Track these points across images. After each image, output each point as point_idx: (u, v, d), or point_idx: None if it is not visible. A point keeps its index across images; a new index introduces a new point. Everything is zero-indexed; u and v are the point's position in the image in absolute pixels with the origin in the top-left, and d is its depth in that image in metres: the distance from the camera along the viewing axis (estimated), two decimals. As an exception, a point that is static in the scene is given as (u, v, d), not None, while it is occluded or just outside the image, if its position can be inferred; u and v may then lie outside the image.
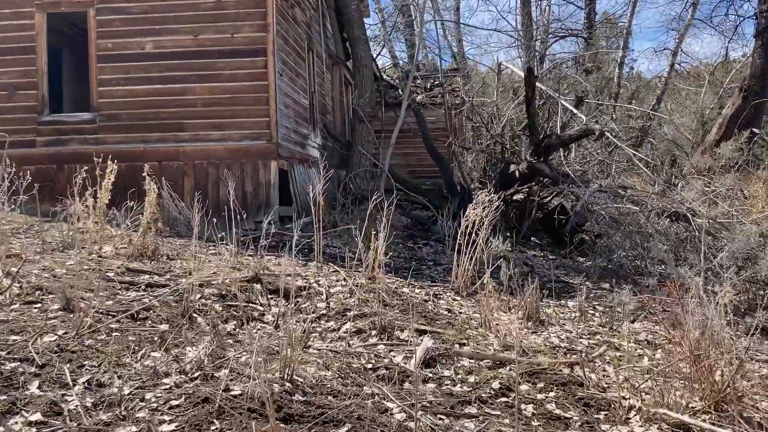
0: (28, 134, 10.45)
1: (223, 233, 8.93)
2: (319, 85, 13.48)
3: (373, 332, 4.74)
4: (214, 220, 9.86)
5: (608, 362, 4.62)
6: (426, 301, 5.92)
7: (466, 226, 6.39)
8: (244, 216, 10.26)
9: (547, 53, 25.77)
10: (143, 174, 9.94)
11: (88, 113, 10.48)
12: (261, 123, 10.16)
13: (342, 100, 16.03)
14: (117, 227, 7.68)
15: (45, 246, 6.24)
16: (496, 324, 5.24)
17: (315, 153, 12.83)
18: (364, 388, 3.46)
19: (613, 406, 3.58)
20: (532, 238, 12.92)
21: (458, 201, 13.74)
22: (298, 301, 5.30)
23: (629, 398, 3.71)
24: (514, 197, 12.37)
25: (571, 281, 8.85)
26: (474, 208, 6.45)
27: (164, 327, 3.98)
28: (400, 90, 20.31)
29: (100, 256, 6.00)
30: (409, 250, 9.64)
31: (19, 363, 3.11)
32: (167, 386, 3.05)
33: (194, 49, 10.23)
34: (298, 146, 11.54)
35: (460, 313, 5.76)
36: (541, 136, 10.81)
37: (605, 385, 3.96)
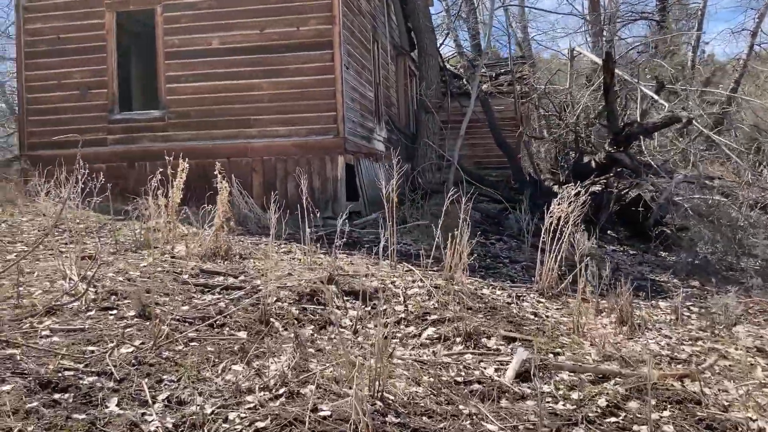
0: (100, 133, 10.57)
1: (293, 230, 8.80)
2: (384, 77, 13.21)
3: (458, 339, 4.44)
4: (284, 217, 9.77)
5: (720, 373, 4.19)
6: (509, 303, 5.57)
7: (550, 223, 6.01)
8: (313, 212, 10.16)
9: (616, 37, 24.75)
10: (213, 171, 9.90)
11: (157, 111, 10.51)
12: (328, 117, 9.97)
13: (406, 92, 15.72)
14: (189, 225, 7.62)
15: (118, 246, 6.19)
16: (590, 329, 4.86)
17: (380, 146, 12.59)
18: (459, 406, 3.16)
19: (740, 429, 3.17)
20: (609, 231, 12.34)
21: (529, 193, 13.26)
22: (374, 304, 5.04)
23: (756, 419, 3.30)
24: (591, 189, 11.82)
25: (657, 279, 8.32)
26: (559, 203, 6.06)
27: (243, 335, 3.79)
28: (464, 79, 19.85)
29: (173, 257, 5.90)
30: (481, 247, 9.26)
31: (97, 377, 2.95)
32: (251, 405, 2.84)
33: (260, 44, 10.10)
34: (364, 140, 11.31)
35: (547, 317, 5.39)
36: (622, 125, 10.23)
37: (725, 403, 3.55)
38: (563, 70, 15.15)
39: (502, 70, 21.45)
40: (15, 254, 5.77)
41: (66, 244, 6.38)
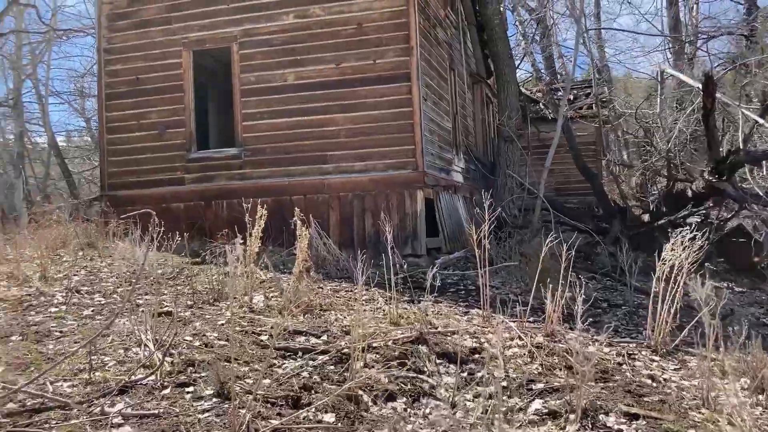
0: (177, 172, 10.54)
1: (373, 270, 8.40)
2: (461, 106, 12.77)
3: (571, 416, 3.87)
4: (360, 255, 9.39)
5: None
6: (620, 364, 4.95)
7: (662, 272, 5.37)
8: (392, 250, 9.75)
9: (703, 55, 23.49)
10: (289, 208, 9.65)
11: (233, 149, 10.41)
12: (406, 151, 9.59)
13: (483, 120, 15.23)
14: (265, 269, 7.34)
15: (195, 297, 5.93)
16: (720, 400, 4.20)
17: (459, 178, 12.12)
18: None
19: None
20: (706, 263, 11.40)
21: (617, 223, 12.48)
22: (471, 368, 4.54)
23: None
24: (687, 219, 10.95)
25: (779, 325, 7.46)
26: (672, 249, 5.42)
27: (330, 418, 3.37)
28: (540, 104, 19.19)
29: (251, 309, 5.58)
30: (571, 286, 8.61)
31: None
32: None
33: (336, 79, 9.87)
34: (443, 172, 10.86)
35: (665, 380, 4.74)
36: (725, 152, 9.40)
37: None
38: (653, 93, 14.29)
39: (581, 93, 20.70)
40: (92, 308, 5.58)
41: (144, 294, 6.17)
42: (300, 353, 4.40)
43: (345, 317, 5.61)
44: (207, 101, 13.24)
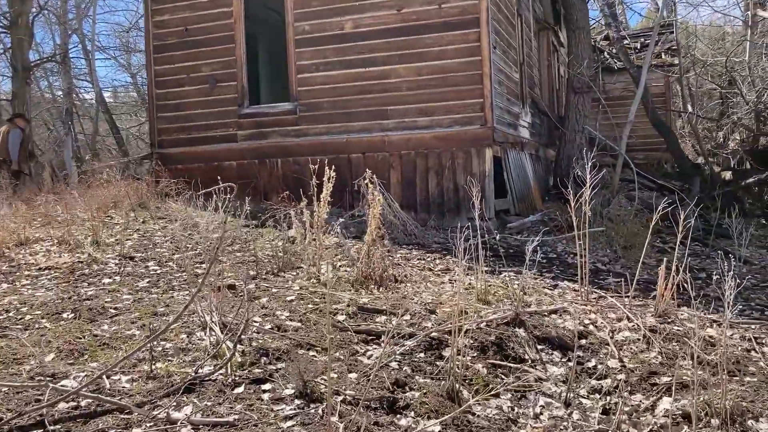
0: (230, 128, 10.01)
1: (441, 236, 7.79)
2: (527, 55, 11.86)
3: (713, 421, 3.24)
4: (426, 217, 8.76)
5: None
6: (748, 351, 4.26)
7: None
8: (458, 212, 9.10)
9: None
10: (347, 167, 9.10)
11: (288, 103, 9.79)
12: (474, 105, 8.83)
13: (549, 70, 14.25)
14: (326, 233, 6.79)
15: (258, 267, 5.41)
16: None
17: (525, 133, 11.30)
18: None
19: None
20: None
21: (697, 182, 11.55)
22: (579, 357, 3.92)
23: None
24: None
25: None
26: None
27: (435, 427, 2.80)
28: (605, 53, 18.02)
29: (319, 281, 5.04)
30: (661, 253, 7.86)
31: None
32: None
33: (398, 26, 9.09)
34: (510, 128, 10.08)
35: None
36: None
37: None
38: (740, 38, 13.06)
39: (647, 42, 19.38)
40: (147, 279, 5.12)
41: (201, 263, 5.69)
42: (384, 338, 3.84)
43: (423, 291, 5.03)
44: (257, 53, 12.61)
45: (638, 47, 18.68)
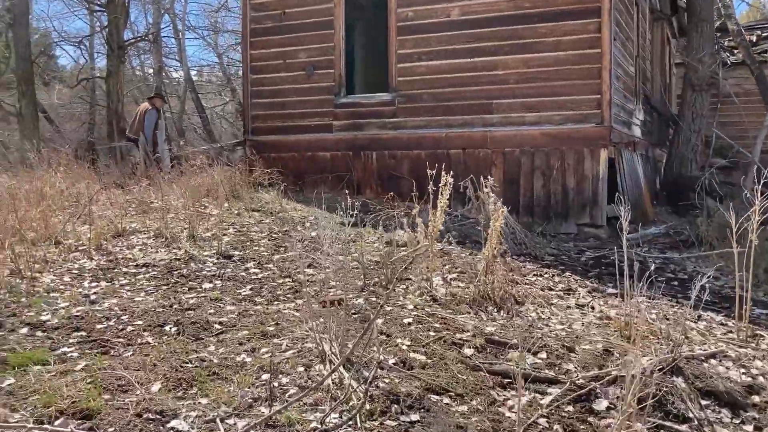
0: (325, 117, 9.67)
1: (552, 245, 7.18)
2: (642, 47, 10.96)
3: None
4: (531, 221, 8.14)
5: None
6: None
7: None
8: (565, 217, 8.44)
9: None
10: (446, 164, 8.60)
11: (386, 94, 9.34)
12: (589, 102, 8.13)
13: (662, 64, 13.23)
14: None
15: (365, 276, 4.98)
16: None
17: (637, 132, 10.46)
18: None
19: None
20: None
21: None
22: (754, 419, 3.30)
23: None
24: None
25: None
26: None
27: None
28: (721, 47, 16.68)
29: (433, 299, 4.57)
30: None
31: None
32: None
33: (509, 14, 8.48)
34: (625, 127, 9.29)
35: None
36: None
37: None
38: None
39: (765, 34, 17.93)
40: (250, 286, 4.78)
41: (305, 267, 5.31)
42: (525, 383, 3.32)
43: (549, 317, 4.48)
44: (353, 40, 12.18)
45: (754, 40, 17.26)
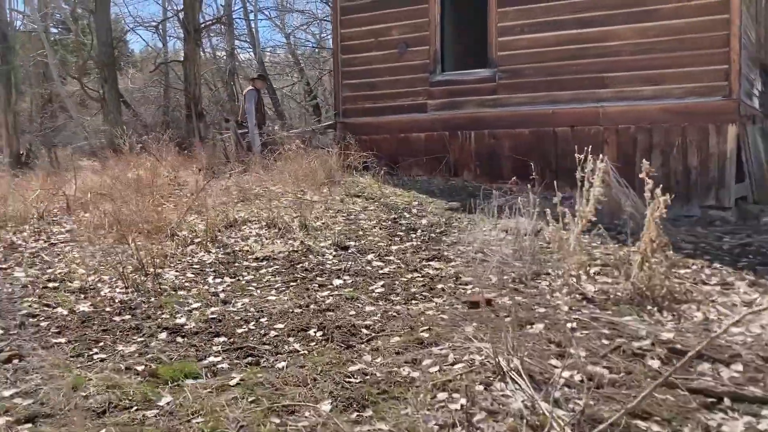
0: (419, 97, 9.27)
1: (686, 229, 6.63)
2: (759, 10, 10.06)
3: None
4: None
5: None
6: None
7: None
8: (688, 199, 7.83)
9: None
10: (551, 141, 8.16)
11: (485, 69, 8.85)
12: (715, 73, 7.45)
13: (775, 28, 12.19)
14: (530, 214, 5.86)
15: (498, 272, 4.61)
16: None
17: (756, 104, 9.63)
18: None
19: None
20: None
21: None
22: None
23: None
24: None
25: None
26: None
27: None
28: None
29: (585, 297, 4.16)
30: None
31: None
32: None
33: (622, -21, 7.83)
34: (747, 98, 8.53)
35: None
36: None
37: None
38: None
39: None
40: (381, 281, 4.47)
41: (426, 260, 4.98)
42: (726, 400, 2.91)
43: (718, 317, 4.00)
44: (444, 13, 11.67)
45: None
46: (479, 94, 8.84)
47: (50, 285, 4.33)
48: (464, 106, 8.95)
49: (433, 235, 5.91)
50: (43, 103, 25.19)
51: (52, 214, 6.46)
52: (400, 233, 5.97)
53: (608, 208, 6.72)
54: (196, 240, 5.48)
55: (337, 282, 4.45)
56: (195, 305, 4.01)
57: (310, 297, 4.11)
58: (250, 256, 5.15)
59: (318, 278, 4.56)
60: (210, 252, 5.21)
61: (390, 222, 6.39)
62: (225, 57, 27.13)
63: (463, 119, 8.96)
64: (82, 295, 4.15)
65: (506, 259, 5.03)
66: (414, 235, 5.88)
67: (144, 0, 38.13)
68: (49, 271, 4.66)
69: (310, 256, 5.16)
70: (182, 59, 21.01)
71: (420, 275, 4.66)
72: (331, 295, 4.15)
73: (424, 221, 6.46)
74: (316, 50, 26.63)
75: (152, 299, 4.09)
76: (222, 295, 4.21)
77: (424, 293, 4.25)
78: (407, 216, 6.69)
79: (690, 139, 7.64)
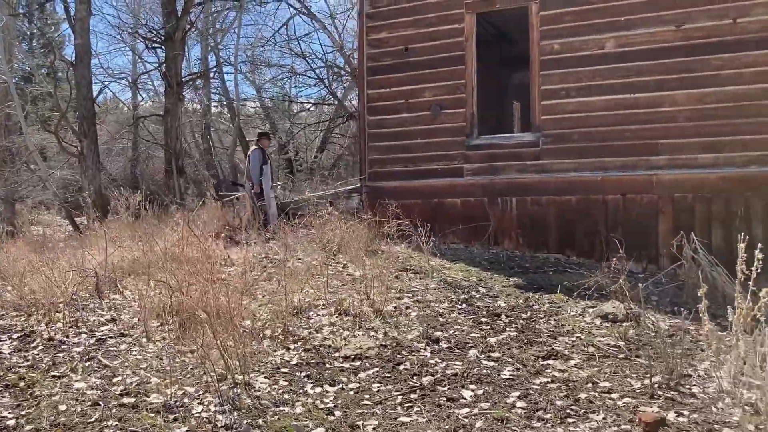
0: (455, 161, 8.80)
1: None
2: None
3: None
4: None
5: None
6: None
7: None
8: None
9: None
10: (598, 210, 7.76)
11: (528, 134, 8.49)
12: (778, 141, 7.19)
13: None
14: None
15: (630, 371, 4.03)
16: None
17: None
18: None
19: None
20: None
21: None
22: None
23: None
24: None
25: None
26: None
27: None
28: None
29: (756, 410, 3.60)
30: None
31: None
32: None
33: (676, 44, 7.61)
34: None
35: None
36: None
37: None
38: None
39: None
40: (516, 393, 3.83)
41: (539, 357, 4.38)
42: None
43: None
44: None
45: None
46: (521, 159, 8.43)
47: (125, 401, 3.56)
48: (505, 170, 8.52)
49: (522, 322, 5.32)
50: (9, 157, 24.06)
51: (80, 297, 5.64)
52: (485, 319, 5.36)
53: (692, 288, 6.28)
54: (266, 332, 4.77)
55: (467, 394, 3.79)
56: (315, 430, 3.30)
57: (450, 418, 3.45)
58: (336, 354, 4.46)
59: (438, 387, 3.90)
60: (289, 349, 4.51)
61: (464, 305, 5.78)
62: (201, 111, 26.52)
63: (504, 184, 8.51)
64: (171, 416, 3.40)
65: (628, 356, 4.48)
66: (502, 323, 5.28)
67: (114, 52, 37.32)
68: (116, 380, 3.88)
69: (404, 353, 4.50)
70: (162, 113, 20.32)
71: (548, 379, 4.05)
72: (474, 415, 3.49)
73: (501, 303, 5.87)
74: (286, 103, 26.18)
75: (259, 420, 3.37)
76: (338, 413, 3.52)
77: (572, 407, 3.63)
78: (477, 296, 6.10)
79: (753, 209, 7.31)
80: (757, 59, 7.25)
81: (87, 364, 4.15)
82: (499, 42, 10.86)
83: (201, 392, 3.70)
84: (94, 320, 5.09)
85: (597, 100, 7.98)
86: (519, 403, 3.67)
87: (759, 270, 4.07)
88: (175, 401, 3.57)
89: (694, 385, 3.96)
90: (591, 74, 8.01)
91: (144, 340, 4.54)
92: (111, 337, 4.67)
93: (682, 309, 5.81)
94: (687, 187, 7.60)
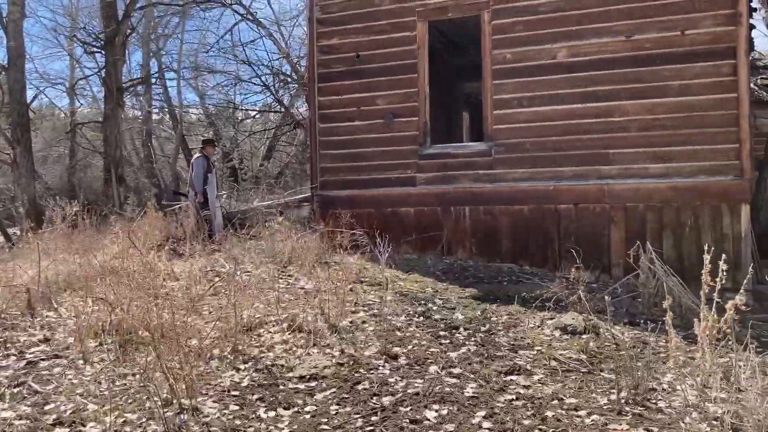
0: (408, 170, 8.67)
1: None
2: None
3: None
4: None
5: None
6: None
7: None
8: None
9: None
10: (552, 220, 7.75)
11: (481, 143, 8.43)
12: (726, 151, 7.33)
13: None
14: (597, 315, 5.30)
15: (591, 399, 3.92)
16: None
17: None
18: None
19: None
20: None
21: None
22: None
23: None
24: None
25: None
26: None
27: None
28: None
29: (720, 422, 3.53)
30: None
31: None
32: None
33: (626, 55, 7.69)
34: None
35: None
36: None
37: None
38: None
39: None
40: (482, 413, 3.66)
41: (502, 373, 4.23)
42: None
43: None
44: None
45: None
46: (474, 168, 8.35)
47: (58, 433, 3.23)
48: (458, 180, 8.42)
49: (481, 335, 5.17)
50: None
51: (10, 315, 5.22)
52: (443, 332, 5.20)
53: (648, 298, 6.28)
54: (214, 351, 4.48)
55: (430, 414, 3.60)
56: (271, 460, 3.05)
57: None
58: (290, 374, 4.21)
59: (400, 408, 3.69)
60: (239, 369, 4.23)
61: (422, 317, 5.61)
62: (141, 118, 25.75)
63: (457, 194, 8.41)
64: (110, 450, 3.10)
65: (592, 370, 4.38)
66: (461, 336, 5.13)
67: (50, 57, 35.98)
68: (48, 407, 3.53)
69: (362, 371, 4.29)
70: (102, 120, 19.59)
71: (513, 396, 3.90)
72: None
73: (458, 315, 5.72)
74: (231, 110, 25.64)
75: (208, 451, 3.10)
76: (298, 442, 3.27)
77: (540, 427, 3.48)
78: (435, 308, 5.94)
79: (702, 219, 7.42)
80: (705, 70, 7.37)
81: (16, 390, 3.78)
82: (450, 51, 10.82)
83: (144, 419, 3.40)
84: (24, 341, 4.70)
85: (549, 110, 7.98)
86: (485, 424, 3.50)
87: (723, 281, 4.02)
88: (115, 430, 3.26)
89: (660, 399, 3.88)
90: (543, 84, 8.01)
91: (80, 362, 4.18)
92: (43, 359, 4.30)
93: (640, 320, 5.85)
94: (638, 197, 7.65)
